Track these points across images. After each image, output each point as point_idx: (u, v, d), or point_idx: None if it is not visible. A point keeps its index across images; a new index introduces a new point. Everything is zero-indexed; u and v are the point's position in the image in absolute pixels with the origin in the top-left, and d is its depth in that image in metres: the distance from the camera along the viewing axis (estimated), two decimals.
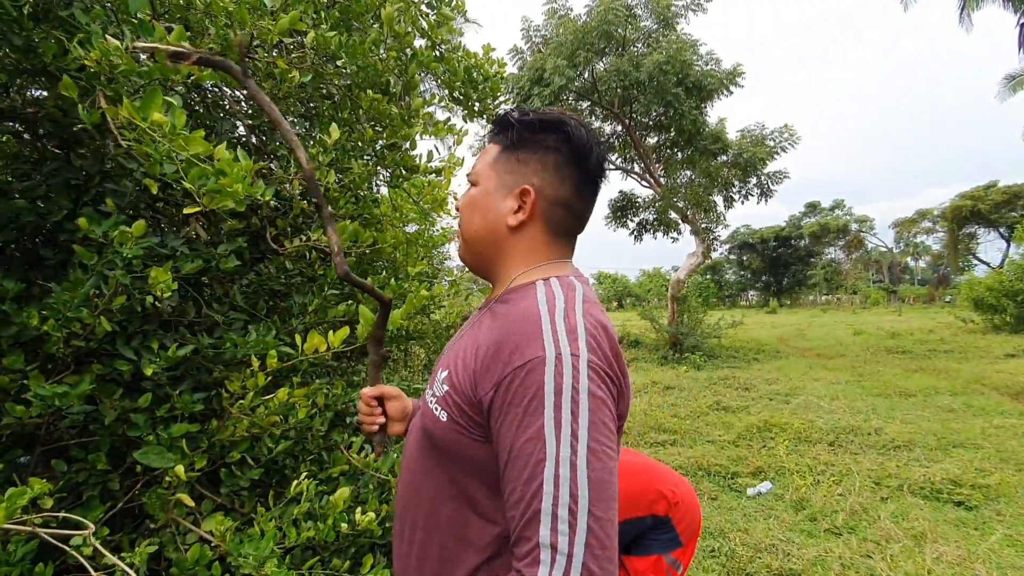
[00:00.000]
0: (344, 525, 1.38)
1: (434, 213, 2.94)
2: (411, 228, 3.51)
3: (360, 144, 1.85)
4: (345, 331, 1.26)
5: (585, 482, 0.61)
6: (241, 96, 1.84)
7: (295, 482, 1.38)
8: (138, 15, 1.22)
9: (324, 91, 2.03)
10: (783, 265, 47.24)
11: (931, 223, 42.23)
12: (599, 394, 0.65)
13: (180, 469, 1.25)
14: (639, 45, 11.59)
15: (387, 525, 1.43)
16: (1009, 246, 31.73)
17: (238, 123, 1.89)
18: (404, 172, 2.10)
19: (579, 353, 0.66)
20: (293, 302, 1.71)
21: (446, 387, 0.75)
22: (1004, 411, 5.77)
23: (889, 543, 2.91)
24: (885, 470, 4.00)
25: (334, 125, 1.54)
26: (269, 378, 1.34)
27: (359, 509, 1.42)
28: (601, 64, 11.59)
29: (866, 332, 15.57)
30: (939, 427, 5.18)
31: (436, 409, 0.76)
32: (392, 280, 1.59)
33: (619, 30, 10.90)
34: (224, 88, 1.97)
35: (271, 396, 1.40)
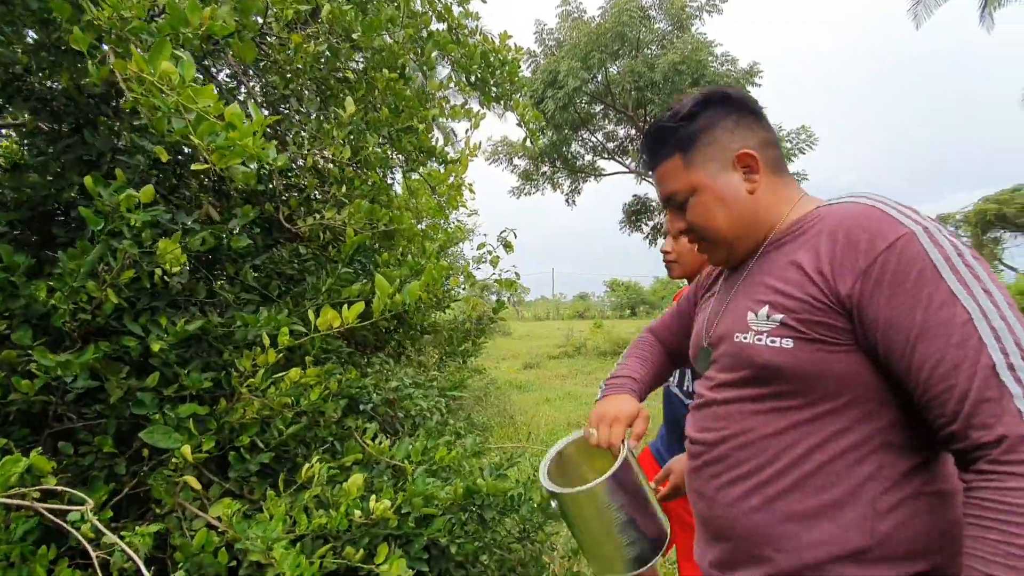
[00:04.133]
0: (357, 513, 1.31)
1: (449, 207, 2.89)
2: (426, 225, 3.47)
3: (376, 125, 1.80)
4: (360, 306, 1.20)
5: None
6: (254, 73, 1.80)
7: (306, 466, 1.32)
8: None
9: (339, 74, 1.99)
10: None
11: (954, 227, 41.48)
12: (980, 258, 0.65)
13: (187, 450, 1.20)
14: (653, 47, 11.53)
15: (403, 512, 1.36)
16: None
17: (248, 103, 1.86)
18: (420, 156, 2.05)
19: (940, 226, 0.67)
20: (306, 285, 1.66)
21: (779, 316, 0.75)
22: None
23: None
24: None
25: (349, 99, 1.49)
26: (281, 354, 1.28)
27: (373, 497, 1.35)
28: (615, 67, 11.54)
29: None
30: None
31: (774, 342, 0.75)
32: (409, 256, 1.53)
33: (633, 32, 10.86)
34: (239, 79, 1.93)
35: (282, 375, 1.34)
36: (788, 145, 12.33)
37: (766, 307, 0.78)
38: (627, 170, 14.79)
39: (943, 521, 0.70)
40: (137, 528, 1.09)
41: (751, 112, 0.87)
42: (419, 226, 2.86)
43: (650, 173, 0.93)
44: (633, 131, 13.44)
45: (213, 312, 1.45)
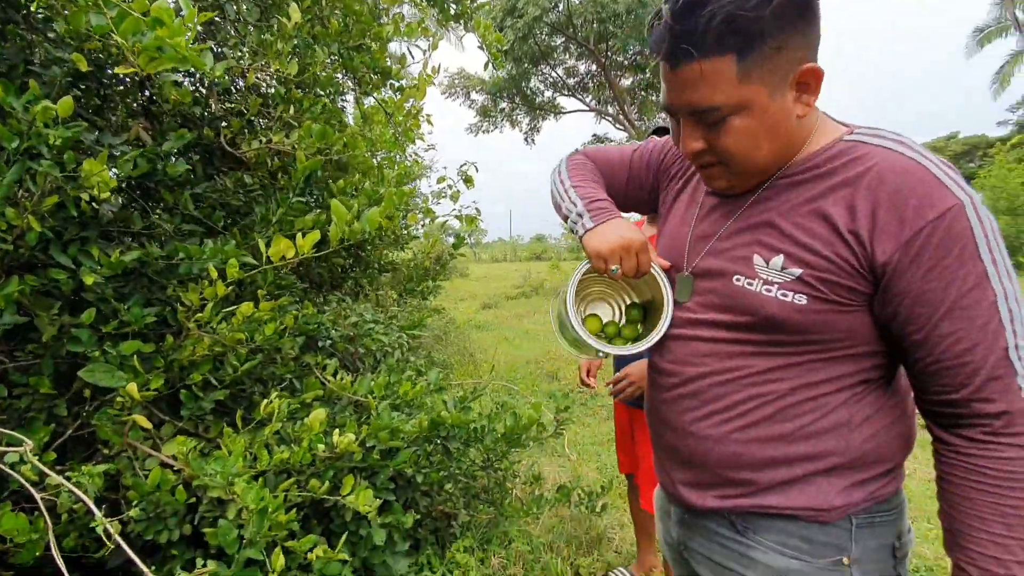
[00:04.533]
0: (321, 447, 1.29)
1: (405, 139, 2.75)
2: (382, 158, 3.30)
3: (324, 39, 1.64)
4: (316, 235, 1.13)
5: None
6: None
7: (265, 402, 1.28)
8: None
9: None
10: None
11: None
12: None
13: (132, 388, 1.13)
14: None
15: (369, 446, 1.35)
16: None
17: None
18: (374, 78, 1.90)
19: (977, 194, 0.65)
20: (255, 216, 1.55)
21: (796, 271, 0.70)
22: None
23: None
24: None
25: (294, 5, 1.34)
26: (230, 288, 1.20)
27: (336, 432, 1.33)
28: None
29: None
30: None
31: (785, 296, 0.71)
32: (367, 183, 1.44)
33: None
34: None
35: (233, 310, 1.27)
36: None
37: (780, 257, 0.71)
38: (587, 108, 14.50)
39: (901, 425, 0.76)
40: (84, 468, 1.04)
41: (814, 9, 0.67)
42: (374, 159, 2.72)
43: (675, 66, 0.68)
44: (594, 67, 13.07)
45: (152, 244, 1.34)
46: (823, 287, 0.68)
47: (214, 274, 1.22)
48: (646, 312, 1.04)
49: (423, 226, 3.33)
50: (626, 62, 12.57)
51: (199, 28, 1.56)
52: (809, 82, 0.69)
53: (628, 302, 1.08)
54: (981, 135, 32.19)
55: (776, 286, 0.71)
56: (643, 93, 13.51)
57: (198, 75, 1.66)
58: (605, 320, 1.07)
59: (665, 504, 0.97)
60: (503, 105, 14.50)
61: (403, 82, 1.95)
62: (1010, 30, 16.95)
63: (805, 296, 0.69)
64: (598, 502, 2.11)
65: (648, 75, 12.26)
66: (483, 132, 15.15)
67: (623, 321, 1.08)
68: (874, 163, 0.67)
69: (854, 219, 0.66)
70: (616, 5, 10.02)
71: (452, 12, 2.17)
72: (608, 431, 3.80)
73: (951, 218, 0.62)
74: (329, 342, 1.66)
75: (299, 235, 1.10)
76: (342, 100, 2.26)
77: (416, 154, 3.53)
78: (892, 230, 0.64)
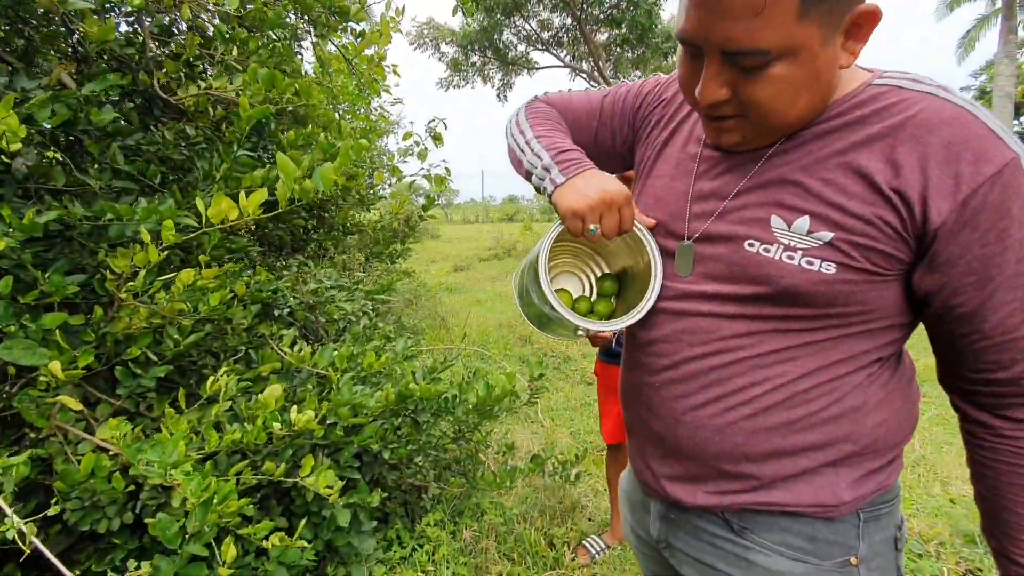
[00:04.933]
0: (277, 425, 1.19)
1: (369, 90, 2.54)
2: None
3: None
4: (262, 193, 1.00)
5: None
6: None
7: (211, 379, 1.17)
8: None
9: None
10: None
11: None
12: None
13: (56, 366, 1.00)
14: None
15: (329, 423, 1.26)
16: None
17: None
18: (331, 20, 1.71)
19: None
20: (197, 172, 1.39)
21: (826, 235, 0.60)
22: None
23: None
24: None
25: None
26: (165, 253, 1.07)
27: (295, 408, 1.23)
28: None
29: None
30: None
31: (811, 264, 0.61)
32: (322, 135, 1.30)
33: None
34: None
35: (172, 277, 1.13)
36: None
37: (806, 218, 0.61)
38: (562, 64, 14.08)
39: (910, 404, 0.71)
40: (1, 461, 0.92)
41: None
42: (335, 112, 2.52)
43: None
44: (569, 20, 12.61)
45: (75, 203, 1.18)
46: (857, 254, 0.59)
47: (147, 238, 1.08)
48: (621, 284, 0.93)
49: (390, 186, 3.17)
50: (602, 15, 12.16)
51: None
52: (863, 25, 0.57)
53: (599, 273, 0.97)
54: None
55: (800, 252, 0.61)
56: (619, 49, 13.15)
57: (128, 9, 1.45)
58: (576, 295, 0.97)
59: (639, 496, 0.88)
60: (475, 59, 13.94)
61: (364, 25, 1.77)
62: None
63: (834, 264, 0.60)
64: (572, 471, 2.08)
65: (624, 30, 11.91)
66: (454, 87, 14.60)
67: (595, 296, 0.97)
68: (918, 110, 0.58)
69: (898, 174, 0.57)
70: None
71: None
72: (582, 395, 3.79)
73: (1009, 174, 0.54)
74: (287, 310, 1.54)
75: (243, 195, 0.97)
76: (297, 46, 2.06)
77: (382, 107, 3.31)
78: (947, 187, 0.55)
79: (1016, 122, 23.62)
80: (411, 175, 2.44)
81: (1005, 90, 13.77)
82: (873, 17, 0.56)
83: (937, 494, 2.48)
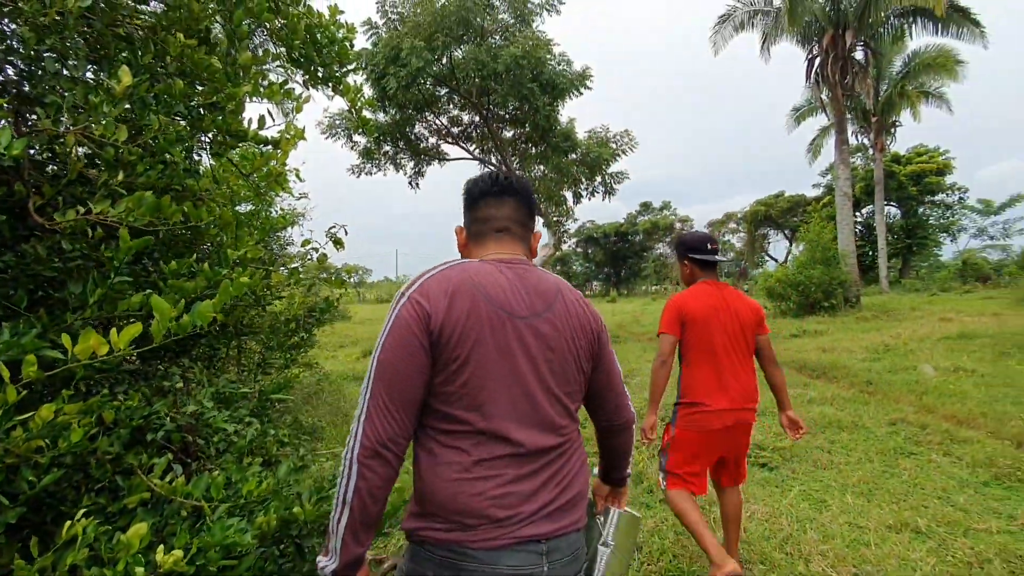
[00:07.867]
0: (140, 570, 1.10)
1: (271, 192, 2.59)
2: (245, 210, 3.07)
3: (167, 99, 1.51)
4: (135, 328, 0.99)
5: None
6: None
7: (67, 524, 1.08)
8: None
9: (121, 30, 1.63)
10: (622, 258, 52.04)
11: (736, 224, 49.43)
12: None
13: None
14: (497, 37, 11.68)
15: (199, 563, 1.18)
16: (792, 245, 38.70)
17: None
18: (228, 138, 1.78)
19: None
20: (69, 292, 1.34)
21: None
22: (791, 383, 6.92)
23: (712, 506, 3.26)
24: None
25: (124, 68, 1.21)
26: (24, 392, 1.01)
27: (161, 548, 1.15)
28: (459, 51, 11.47)
29: None
30: None
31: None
32: (206, 265, 1.31)
33: (477, 19, 10.88)
34: None
35: (30, 416, 1.06)
36: (614, 146, 13.49)
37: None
38: (471, 156, 14.89)
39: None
40: None
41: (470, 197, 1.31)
42: (238, 209, 2.51)
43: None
44: (477, 118, 13.53)
45: None
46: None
47: (6, 374, 1.02)
48: None
49: (289, 286, 3.13)
50: (507, 115, 13.18)
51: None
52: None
53: None
54: (801, 194, 38.28)
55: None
56: (524, 145, 14.21)
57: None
58: None
59: None
60: (387, 148, 14.40)
61: (263, 147, 1.85)
62: (818, 111, 20.54)
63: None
64: None
65: (528, 129, 12.95)
66: (366, 174, 14.88)
67: None
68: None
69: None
70: (496, 64, 10.55)
71: (320, 76, 2.13)
72: None
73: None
74: (162, 434, 1.45)
75: (114, 332, 0.96)
76: (197, 153, 2.09)
77: (288, 205, 3.33)
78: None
79: (857, 214, 27.90)
80: (308, 278, 2.45)
81: (843, 191, 16.37)
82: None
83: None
